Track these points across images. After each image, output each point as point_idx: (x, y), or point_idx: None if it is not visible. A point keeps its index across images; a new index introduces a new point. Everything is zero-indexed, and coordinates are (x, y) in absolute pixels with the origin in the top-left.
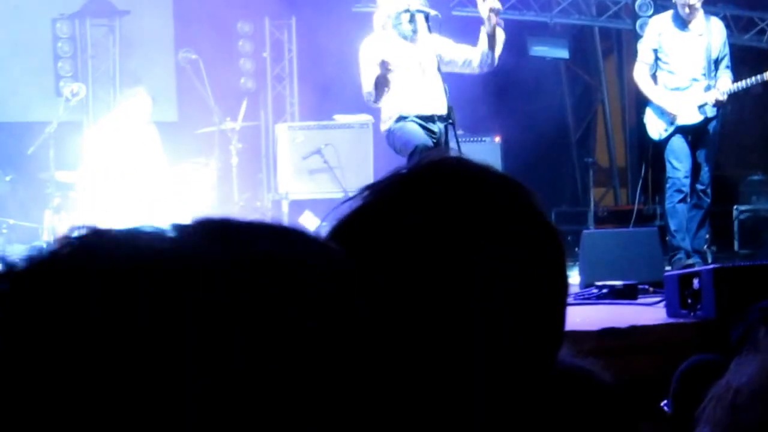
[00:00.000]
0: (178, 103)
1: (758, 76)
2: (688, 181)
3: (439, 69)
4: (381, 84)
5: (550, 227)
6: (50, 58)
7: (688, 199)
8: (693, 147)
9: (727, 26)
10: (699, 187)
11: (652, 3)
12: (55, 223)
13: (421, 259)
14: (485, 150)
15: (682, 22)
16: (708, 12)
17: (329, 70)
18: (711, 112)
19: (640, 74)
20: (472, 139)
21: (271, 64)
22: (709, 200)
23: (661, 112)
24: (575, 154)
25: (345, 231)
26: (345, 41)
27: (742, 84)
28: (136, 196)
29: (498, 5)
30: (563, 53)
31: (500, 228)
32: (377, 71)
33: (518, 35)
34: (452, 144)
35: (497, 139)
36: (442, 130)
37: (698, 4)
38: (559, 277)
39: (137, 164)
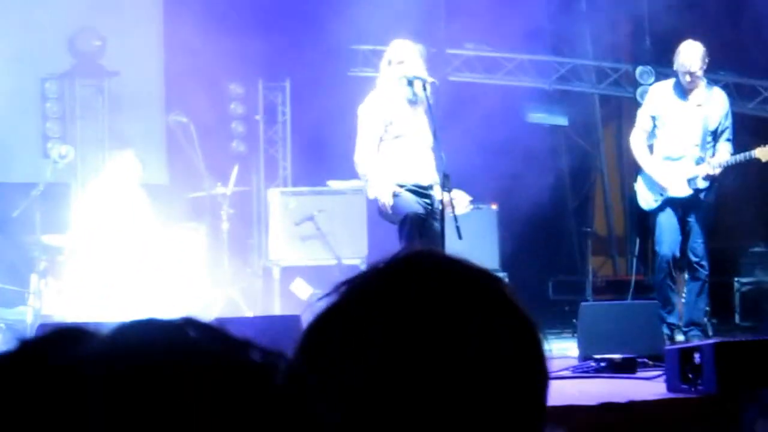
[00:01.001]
0: (169, 166)
1: (747, 153)
2: (671, 255)
3: (435, 137)
4: (373, 148)
5: (528, 321)
6: (38, 119)
7: (674, 274)
8: (683, 219)
9: (730, 94)
10: (693, 259)
11: (653, 71)
12: (42, 287)
13: (399, 356)
14: (481, 217)
15: (682, 91)
16: (711, 80)
17: (323, 134)
18: (702, 184)
19: (636, 141)
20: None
21: (263, 128)
22: (706, 272)
23: (652, 183)
24: (573, 222)
25: (321, 327)
26: (340, 105)
27: (731, 160)
28: (126, 261)
29: (467, 206)
30: (562, 120)
31: (479, 324)
32: (377, 132)
33: (516, 102)
34: (447, 212)
35: (494, 206)
36: (435, 198)
37: (699, 72)
38: (539, 369)
39: (126, 229)
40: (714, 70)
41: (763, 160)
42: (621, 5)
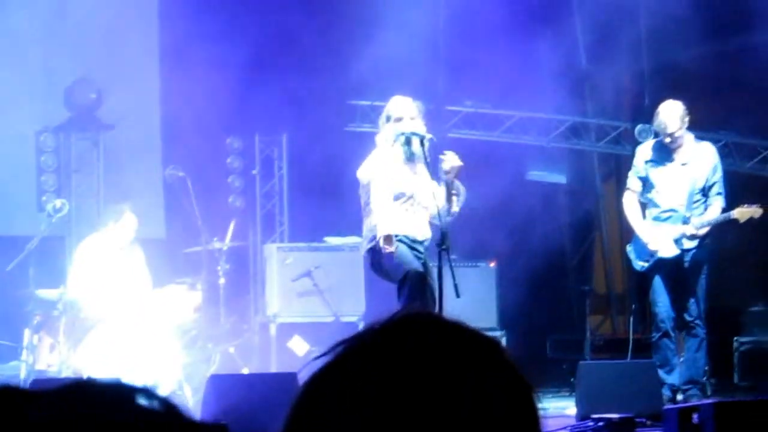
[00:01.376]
0: (166, 220)
1: (726, 214)
2: (666, 316)
3: (433, 194)
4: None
5: (522, 381)
6: (34, 172)
7: (672, 333)
8: (674, 280)
9: (729, 154)
10: (687, 318)
11: (651, 130)
12: (35, 342)
13: (394, 414)
14: (479, 275)
15: (666, 151)
16: (710, 139)
17: (320, 189)
18: (688, 244)
19: (627, 203)
20: (466, 264)
21: (260, 182)
22: (703, 330)
23: (643, 244)
24: (572, 280)
25: (317, 384)
26: (337, 160)
27: (712, 219)
28: (120, 317)
29: (459, 162)
30: (560, 178)
31: (472, 384)
32: (384, 191)
33: (516, 159)
34: (446, 269)
35: (492, 264)
36: (428, 256)
37: (679, 132)
38: (532, 430)
39: (121, 285)
40: (713, 129)
41: (741, 220)
42: (621, 63)
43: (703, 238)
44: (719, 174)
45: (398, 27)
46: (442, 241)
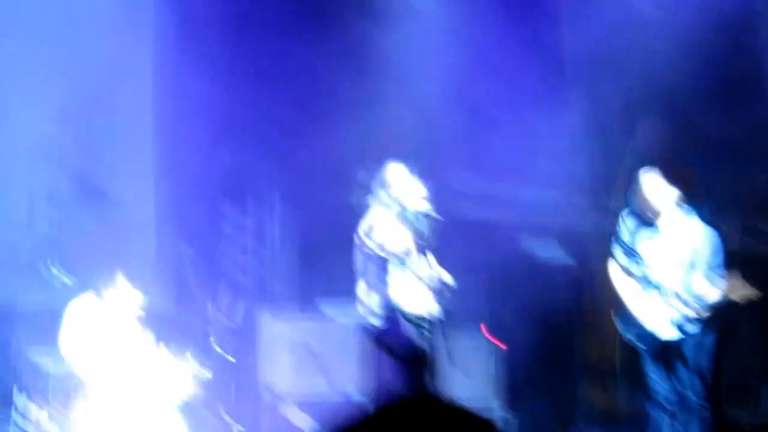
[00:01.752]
0: (161, 288)
1: (720, 292)
2: (667, 394)
3: (429, 263)
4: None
5: None
6: (29, 239)
7: (677, 413)
8: (672, 358)
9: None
10: (692, 398)
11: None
12: (31, 409)
13: None
14: (479, 350)
15: (652, 223)
16: (710, 218)
17: (315, 256)
18: (690, 328)
19: (614, 275)
20: (466, 339)
21: (252, 248)
22: (707, 411)
23: (635, 321)
24: (578, 358)
25: None
26: (333, 227)
27: (709, 300)
28: (116, 382)
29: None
30: (559, 252)
31: None
32: (378, 258)
33: (514, 233)
34: (446, 345)
35: (498, 343)
36: (433, 329)
37: (659, 206)
38: None
39: (117, 353)
40: (715, 208)
41: (734, 297)
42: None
43: (701, 320)
44: (709, 250)
45: (396, 98)
46: (440, 314)
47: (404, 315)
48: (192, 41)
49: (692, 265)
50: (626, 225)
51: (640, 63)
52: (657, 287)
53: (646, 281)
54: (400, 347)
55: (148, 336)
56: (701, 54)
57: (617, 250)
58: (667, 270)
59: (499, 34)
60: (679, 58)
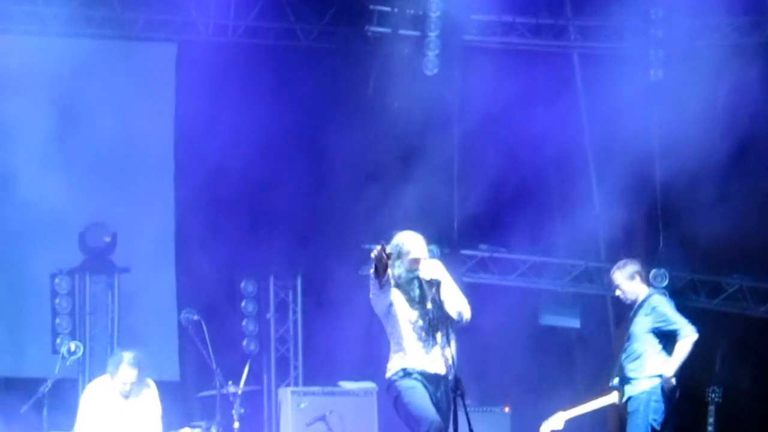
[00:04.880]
0: (180, 363)
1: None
2: None
3: (448, 333)
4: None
5: None
6: (48, 314)
7: None
8: None
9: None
10: None
11: (666, 274)
12: None
13: None
14: (494, 421)
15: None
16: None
17: (334, 333)
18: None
19: None
20: (480, 409)
21: (274, 326)
22: None
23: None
24: (586, 425)
25: None
26: (350, 303)
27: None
28: None
29: (429, 277)
30: (574, 323)
31: None
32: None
33: (529, 304)
34: (461, 415)
35: (506, 409)
36: (444, 393)
37: (619, 289)
38: None
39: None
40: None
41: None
42: (634, 205)
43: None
44: (657, 318)
45: (413, 172)
46: (456, 386)
47: (418, 377)
48: (211, 110)
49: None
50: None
51: None
52: None
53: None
54: (420, 428)
55: (168, 411)
56: None
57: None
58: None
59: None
60: None
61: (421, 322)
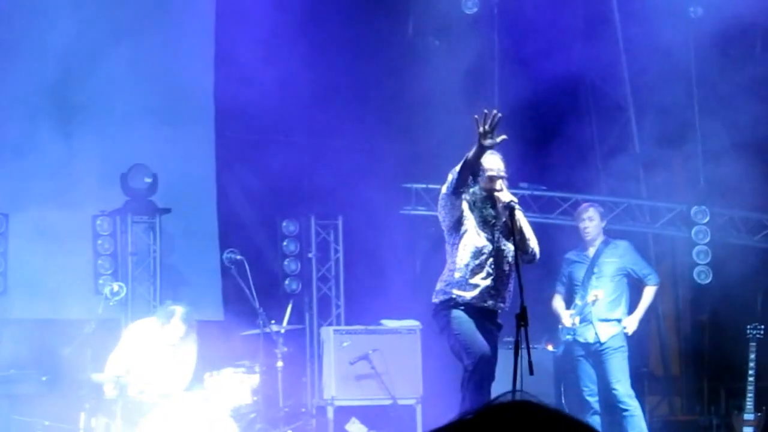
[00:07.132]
0: (224, 302)
1: None
2: None
3: (516, 263)
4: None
5: None
6: (90, 255)
7: None
8: None
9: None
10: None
11: (707, 211)
12: (92, 425)
13: None
14: (537, 357)
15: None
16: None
17: (376, 271)
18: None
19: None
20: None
21: (316, 265)
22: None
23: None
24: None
25: None
26: (392, 243)
27: None
28: (176, 399)
29: (508, 199)
30: None
31: None
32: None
33: (571, 241)
34: (522, 350)
35: (549, 347)
36: (495, 325)
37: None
38: None
39: (158, 373)
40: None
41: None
42: (674, 146)
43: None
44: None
45: (453, 111)
46: (522, 315)
47: (479, 315)
48: (251, 52)
49: None
50: None
51: None
52: None
53: None
54: (470, 359)
55: (212, 351)
56: None
57: None
58: None
59: None
60: None
61: (487, 248)
